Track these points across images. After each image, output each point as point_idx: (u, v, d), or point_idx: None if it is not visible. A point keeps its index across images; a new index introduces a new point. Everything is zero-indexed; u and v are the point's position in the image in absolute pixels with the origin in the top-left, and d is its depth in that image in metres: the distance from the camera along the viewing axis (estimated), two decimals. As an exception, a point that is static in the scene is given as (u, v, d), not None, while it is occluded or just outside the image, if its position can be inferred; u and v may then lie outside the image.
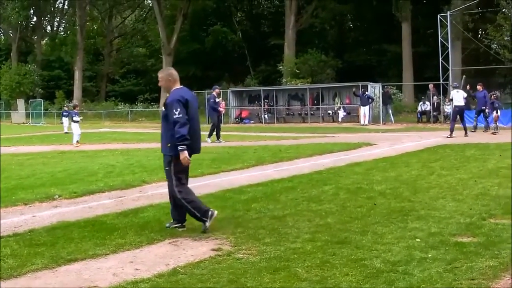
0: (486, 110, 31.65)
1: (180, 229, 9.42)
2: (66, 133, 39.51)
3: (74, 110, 31.89)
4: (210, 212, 9.23)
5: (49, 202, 12.38)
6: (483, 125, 32.19)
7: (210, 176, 16.15)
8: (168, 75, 9.62)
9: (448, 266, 7.09)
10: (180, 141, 9.01)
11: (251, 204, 11.37)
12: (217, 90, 29.72)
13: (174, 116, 9.05)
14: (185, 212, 9.49)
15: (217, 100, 29.43)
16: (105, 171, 17.27)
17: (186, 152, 9.07)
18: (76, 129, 29.69)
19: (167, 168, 9.43)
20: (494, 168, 15.92)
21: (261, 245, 8.28)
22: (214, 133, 28.63)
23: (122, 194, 13.28)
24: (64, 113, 42.04)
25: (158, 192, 13.24)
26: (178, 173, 9.33)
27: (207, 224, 9.17)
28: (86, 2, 78.35)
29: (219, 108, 29.97)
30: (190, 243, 8.67)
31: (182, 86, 9.63)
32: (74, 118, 30.42)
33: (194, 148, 9.48)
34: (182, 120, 9.01)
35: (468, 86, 32.61)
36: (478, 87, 32.38)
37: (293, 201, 11.53)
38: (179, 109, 9.05)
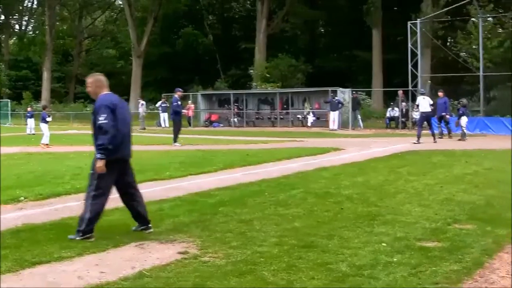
0: (447, 116, 31.85)
1: (147, 231, 9.38)
2: (32, 134, 39.24)
3: (44, 111, 31.64)
4: (90, 235, 8.95)
5: (14, 204, 12.24)
6: (446, 132, 32.45)
7: (178, 179, 16.12)
8: (96, 80, 9.43)
9: (413, 270, 7.15)
10: (98, 149, 8.83)
11: (219, 208, 11.37)
12: (179, 93, 29.24)
13: (98, 122, 8.84)
14: (146, 213, 9.59)
15: (179, 102, 29.13)
16: (72, 173, 17.15)
17: (103, 162, 8.81)
18: (45, 130, 29.49)
19: (91, 171, 9.09)
20: (459, 174, 16.08)
21: (228, 249, 8.28)
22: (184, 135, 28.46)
23: (89, 196, 13.21)
24: (28, 114, 41.68)
25: (126, 194, 13.23)
26: (100, 178, 8.98)
27: (77, 238, 8.86)
28: (55, 2, 77.96)
29: (183, 111, 29.77)
30: (156, 246, 8.64)
31: (110, 92, 9.43)
32: (48, 119, 30.25)
33: (124, 154, 9.32)
34: (106, 126, 8.79)
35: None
36: (440, 93, 32.60)
37: (261, 205, 11.54)
38: (105, 115, 8.83)
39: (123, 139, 9.17)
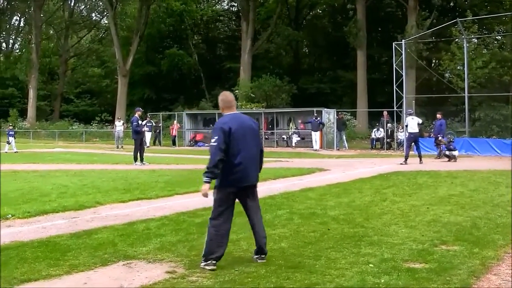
0: (440, 138, 31.99)
1: (258, 260, 8.87)
2: (15, 152, 39.33)
3: None
4: (211, 265, 8.40)
5: (2, 222, 12.22)
6: (436, 153, 32.67)
7: (164, 198, 16.11)
8: (221, 100, 9.13)
9: (401, 291, 7.17)
10: (204, 172, 8.47)
11: (205, 228, 11.31)
12: (138, 113, 28.78)
13: (210, 143, 8.62)
14: (260, 243, 8.97)
15: (140, 122, 28.89)
16: (59, 192, 17.11)
17: (206, 185, 8.44)
18: None
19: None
20: (445, 196, 16.10)
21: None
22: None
23: (75, 215, 13.18)
24: (10, 132, 41.46)
25: (112, 213, 13.22)
26: (216, 201, 8.72)
27: (202, 264, 8.45)
28: (42, 20, 78.04)
29: (142, 130, 29.48)
30: (144, 265, 8.65)
31: (235, 112, 9.12)
32: None
33: (239, 181, 8.70)
34: (212, 149, 8.48)
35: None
36: (438, 115, 32.86)
37: (247, 225, 11.46)
38: (216, 137, 8.48)
39: (244, 163, 8.66)
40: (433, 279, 7.65)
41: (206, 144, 49.88)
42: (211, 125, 52.54)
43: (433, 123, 34.78)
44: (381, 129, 43.79)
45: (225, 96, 9.19)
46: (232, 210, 8.84)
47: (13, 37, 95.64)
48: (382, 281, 7.60)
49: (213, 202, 8.75)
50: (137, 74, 75.64)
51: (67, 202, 14.83)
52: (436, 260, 8.66)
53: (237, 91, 60.34)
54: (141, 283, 7.68)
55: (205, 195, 8.51)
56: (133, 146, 28.80)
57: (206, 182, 8.44)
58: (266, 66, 68.85)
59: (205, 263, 8.45)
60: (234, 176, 8.58)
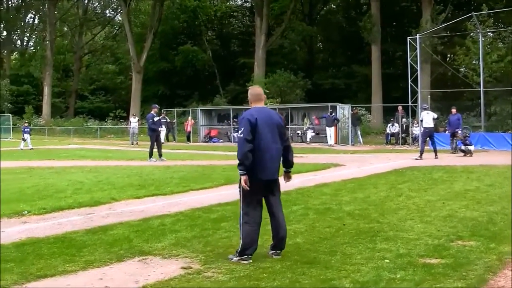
0: (459, 132, 31.85)
1: (273, 256, 8.92)
2: (30, 148, 39.46)
3: None
4: (246, 258, 8.58)
5: (18, 218, 12.31)
6: (451, 147, 32.55)
7: (179, 194, 16.12)
8: (249, 93, 9.30)
9: (417, 287, 7.14)
10: (238, 164, 8.64)
11: (221, 223, 11.39)
12: (155, 109, 28.97)
13: (237, 135, 8.82)
14: (279, 240, 9.06)
15: (155, 119, 28.88)
16: (74, 188, 17.18)
17: (243, 177, 8.59)
18: None
19: (238, 188, 9.01)
20: (461, 191, 16.04)
21: (230, 264, 8.32)
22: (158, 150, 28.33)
23: (91, 211, 13.22)
24: (26, 129, 41.58)
25: (128, 209, 13.24)
26: (243, 196, 8.80)
27: (234, 259, 8.59)
28: (56, 17, 78.30)
29: (157, 127, 29.43)
30: (159, 261, 8.65)
31: (262, 106, 9.16)
32: None
33: (260, 173, 8.75)
34: (239, 141, 8.68)
35: None
36: (453, 110, 32.73)
37: (262, 221, 11.53)
38: (242, 128, 8.63)
39: (262, 157, 8.71)
40: (449, 275, 7.61)
41: (221, 140, 50.04)
42: (225, 121, 52.56)
43: (448, 118, 34.51)
44: (396, 124, 43.60)
45: (253, 89, 9.41)
46: (261, 203, 8.99)
47: (28, 34, 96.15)
48: (398, 276, 7.58)
49: (240, 197, 8.87)
50: (151, 71, 75.86)
51: (82, 198, 14.88)
52: (452, 256, 8.63)
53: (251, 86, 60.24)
54: (156, 279, 7.68)
55: (247, 187, 8.58)
56: (149, 143, 28.87)
57: (242, 174, 8.61)
58: (280, 62, 68.69)
59: (240, 257, 8.55)
60: (257, 169, 8.64)
